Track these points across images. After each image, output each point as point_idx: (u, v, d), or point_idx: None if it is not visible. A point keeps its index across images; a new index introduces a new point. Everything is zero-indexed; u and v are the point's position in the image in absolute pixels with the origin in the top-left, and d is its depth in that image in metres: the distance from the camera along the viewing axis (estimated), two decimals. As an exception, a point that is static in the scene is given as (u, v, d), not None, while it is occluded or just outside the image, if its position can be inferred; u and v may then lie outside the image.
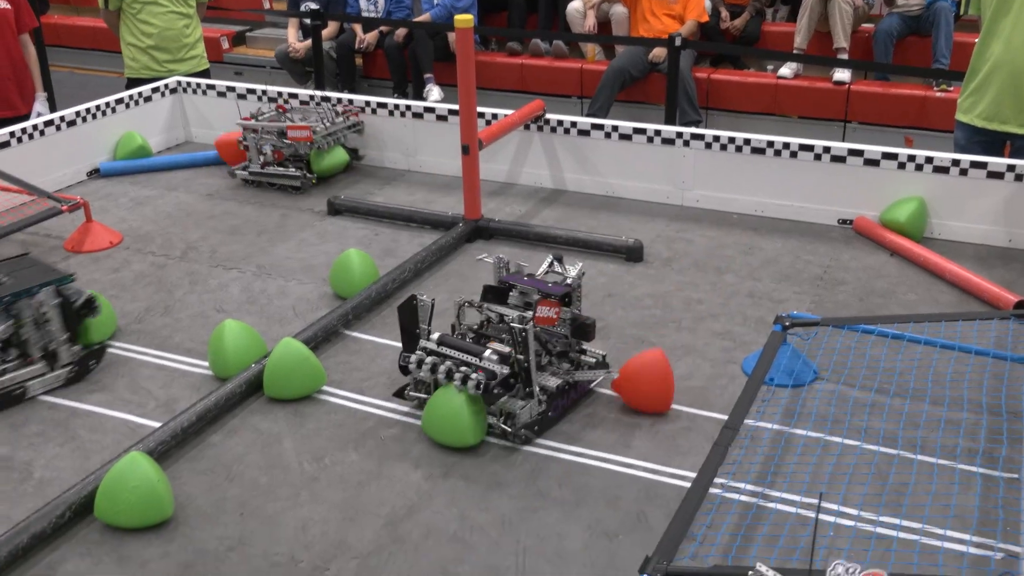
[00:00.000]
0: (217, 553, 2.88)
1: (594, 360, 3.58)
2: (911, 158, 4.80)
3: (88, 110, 5.95)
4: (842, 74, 8.51)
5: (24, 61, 6.44)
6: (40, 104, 6.53)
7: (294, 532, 2.95)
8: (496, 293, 3.59)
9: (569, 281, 3.54)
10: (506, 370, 3.25)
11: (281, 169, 5.66)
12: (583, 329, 3.51)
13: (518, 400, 3.32)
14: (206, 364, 3.85)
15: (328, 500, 3.09)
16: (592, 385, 3.59)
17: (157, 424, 3.42)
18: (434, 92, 9.22)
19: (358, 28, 9.68)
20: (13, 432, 3.48)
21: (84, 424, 3.52)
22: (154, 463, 3.05)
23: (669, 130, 5.32)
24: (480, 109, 5.21)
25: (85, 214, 5.01)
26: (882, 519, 2.85)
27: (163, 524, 2.98)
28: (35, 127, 5.65)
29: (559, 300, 3.45)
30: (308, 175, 5.64)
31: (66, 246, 4.98)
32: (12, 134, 5.51)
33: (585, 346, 3.60)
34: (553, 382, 3.38)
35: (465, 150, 4.79)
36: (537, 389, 3.32)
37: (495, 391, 3.23)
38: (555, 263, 3.65)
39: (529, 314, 3.41)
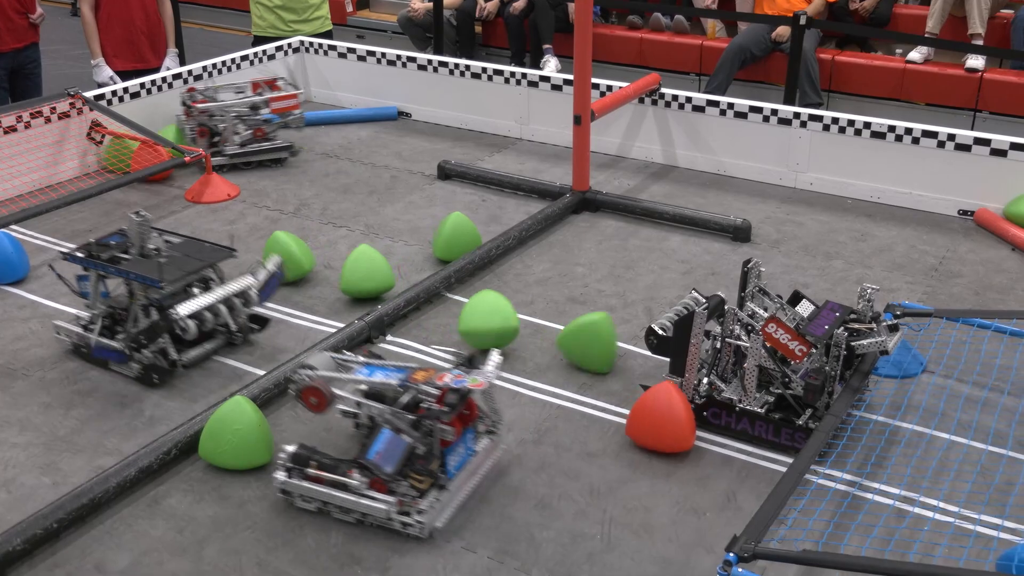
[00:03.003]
0: (311, 499, 2.95)
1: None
2: (1042, 149, 4.60)
3: (215, 65, 6.12)
4: (975, 61, 8.16)
5: (159, 17, 6.64)
6: (171, 59, 6.73)
7: (386, 485, 3.00)
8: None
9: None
10: None
11: (267, 144, 5.58)
12: None
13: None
14: (311, 316, 3.94)
15: (421, 457, 3.13)
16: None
17: (261, 372, 3.53)
18: (551, 64, 9.18)
19: (480, -4, 9.69)
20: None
21: (193, 367, 3.64)
22: (256, 408, 3.14)
23: (786, 110, 5.20)
24: (595, 80, 5.18)
25: (206, 166, 5.17)
26: (983, 518, 2.77)
27: (262, 468, 3.08)
28: (163, 79, 5.84)
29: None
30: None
31: (187, 196, 5.14)
32: (142, 85, 5.71)
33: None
34: None
35: (577, 120, 4.77)
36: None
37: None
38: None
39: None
